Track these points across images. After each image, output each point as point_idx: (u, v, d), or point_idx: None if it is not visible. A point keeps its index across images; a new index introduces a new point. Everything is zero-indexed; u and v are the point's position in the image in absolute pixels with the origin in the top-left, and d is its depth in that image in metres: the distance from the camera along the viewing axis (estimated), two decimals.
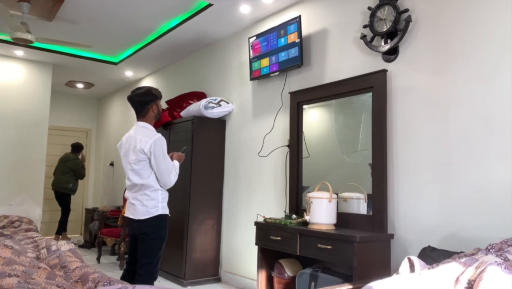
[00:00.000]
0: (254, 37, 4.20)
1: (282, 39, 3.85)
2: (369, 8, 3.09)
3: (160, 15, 4.40)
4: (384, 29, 2.99)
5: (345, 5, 3.44)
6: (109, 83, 7.36)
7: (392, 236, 2.84)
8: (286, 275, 3.21)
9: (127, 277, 2.94)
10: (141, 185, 2.83)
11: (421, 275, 1.61)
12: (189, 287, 4.34)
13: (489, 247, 1.89)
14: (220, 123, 4.76)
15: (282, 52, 3.85)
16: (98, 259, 5.65)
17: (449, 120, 2.64)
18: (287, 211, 3.65)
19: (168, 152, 3.02)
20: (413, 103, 2.85)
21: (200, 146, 4.57)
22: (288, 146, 3.79)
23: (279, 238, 3.12)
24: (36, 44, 5.24)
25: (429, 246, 2.51)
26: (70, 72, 6.68)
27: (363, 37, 3.14)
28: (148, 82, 6.70)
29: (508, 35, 2.39)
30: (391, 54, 3.00)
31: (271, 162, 4.04)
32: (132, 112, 5.25)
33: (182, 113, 4.89)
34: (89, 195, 8.45)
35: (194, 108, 4.65)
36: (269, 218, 3.32)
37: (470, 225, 2.47)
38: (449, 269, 1.59)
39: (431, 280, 1.56)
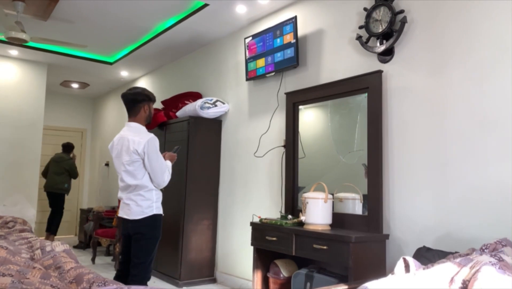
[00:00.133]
0: (250, 38, 4.20)
1: (278, 40, 3.85)
2: (365, 9, 3.10)
3: (156, 15, 4.39)
4: (380, 30, 3.00)
5: (340, 6, 3.44)
6: (105, 83, 7.33)
7: (387, 236, 2.85)
8: (281, 275, 3.21)
9: (120, 277, 2.93)
10: (135, 185, 2.82)
11: (416, 275, 1.61)
12: (184, 287, 4.33)
13: (483, 247, 1.90)
14: (216, 124, 4.76)
15: (278, 53, 3.85)
16: (93, 260, 5.62)
17: (444, 121, 2.65)
18: (283, 211, 3.66)
19: (162, 152, 3.02)
20: (408, 104, 2.86)
21: (196, 146, 4.56)
22: (284, 146, 3.79)
23: (274, 239, 3.12)
24: (30, 43, 5.21)
25: (424, 246, 2.51)
26: (65, 72, 6.65)
27: (359, 38, 3.15)
28: (143, 82, 6.68)
29: (503, 35, 2.41)
30: (387, 55, 3.01)
31: (267, 162, 4.04)
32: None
33: (178, 113, 4.89)
34: (84, 195, 8.41)
35: (190, 108, 4.65)
36: (265, 218, 3.32)
37: (465, 225, 2.48)
38: (444, 269, 1.60)
39: (426, 280, 1.56)
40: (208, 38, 4.92)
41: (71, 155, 6.89)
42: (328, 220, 2.97)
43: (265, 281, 3.34)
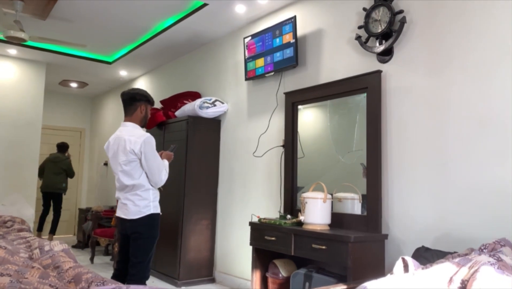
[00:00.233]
0: (249, 37, 4.20)
1: (277, 40, 3.85)
2: (364, 9, 3.10)
3: (155, 15, 4.39)
4: (379, 30, 3.00)
5: (340, 6, 3.44)
6: (103, 83, 7.32)
7: (386, 236, 2.85)
8: (280, 275, 3.20)
9: (118, 276, 2.93)
10: (132, 185, 2.82)
11: (415, 275, 1.61)
12: (183, 287, 4.33)
13: (482, 247, 1.90)
14: (215, 123, 4.76)
15: (277, 53, 3.85)
16: (92, 260, 5.62)
17: (443, 121, 2.65)
18: (282, 211, 3.66)
19: (160, 152, 3.02)
20: (407, 104, 2.87)
21: (194, 145, 4.56)
22: (283, 146, 3.79)
23: (273, 238, 3.12)
24: (29, 42, 5.20)
25: (423, 246, 2.52)
26: (64, 71, 6.64)
27: (358, 38, 3.15)
28: (142, 82, 6.68)
29: (503, 36, 2.41)
30: (386, 55, 3.02)
31: (266, 162, 4.04)
32: None
33: (177, 113, 4.88)
34: (82, 195, 8.40)
35: (189, 108, 4.64)
36: (264, 218, 3.32)
37: (463, 225, 2.49)
38: (443, 269, 1.60)
39: (425, 280, 1.56)
40: (207, 38, 4.92)
41: (66, 154, 6.90)
42: (327, 220, 2.97)
43: (264, 281, 3.34)
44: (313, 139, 3.58)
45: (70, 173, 6.82)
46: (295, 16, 3.69)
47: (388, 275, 1.75)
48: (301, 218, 3.01)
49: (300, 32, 3.76)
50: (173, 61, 5.83)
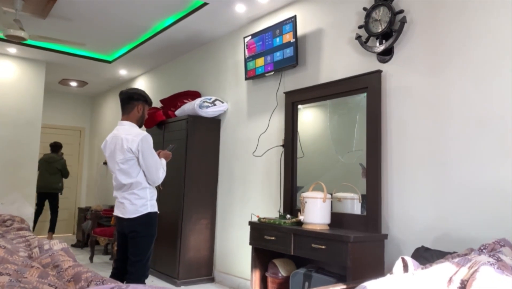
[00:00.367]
0: (249, 37, 4.19)
1: (277, 39, 3.85)
2: (364, 9, 3.10)
3: (155, 14, 4.38)
4: (379, 30, 3.00)
5: (340, 6, 3.44)
6: (103, 82, 7.32)
7: (386, 236, 2.85)
8: (280, 275, 3.20)
9: (117, 275, 2.94)
10: (130, 184, 2.83)
11: (415, 275, 1.61)
12: (182, 287, 4.33)
13: (482, 247, 1.90)
14: (214, 123, 4.75)
15: (277, 52, 3.85)
16: (91, 259, 5.61)
17: (443, 121, 2.65)
18: (282, 210, 3.66)
19: (157, 150, 3.03)
20: (407, 104, 2.86)
21: (194, 145, 4.55)
22: (282, 145, 3.79)
23: (273, 238, 3.12)
24: (29, 41, 5.19)
25: (422, 246, 2.52)
26: (64, 70, 6.63)
27: (358, 37, 3.15)
28: (142, 81, 6.67)
29: (503, 36, 2.41)
30: (386, 54, 3.01)
31: (266, 162, 4.04)
32: None
33: (177, 112, 4.88)
34: (82, 194, 8.39)
35: (189, 107, 4.64)
36: (263, 218, 3.31)
37: (463, 225, 2.49)
38: (443, 269, 1.60)
39: (425, 280, 1.56)
40: (207, 37, 4.92)
41: (60, 154, 6.91)
42: (327, 219, 2.97)
43: (264, 281, 3.34)
44: (313, 139, 3.58)
45: (64, 173, 6.85)
46: (295, 16, 3.69)
47: (388, 275, 1.75)
48: (301, 217, 3.01)
49: (300, 31, 3.76)
50: (173, 60, 5.83)
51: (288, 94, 3.73)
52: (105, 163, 7.47)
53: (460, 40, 2.61)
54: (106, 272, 3.00)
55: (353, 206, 3.11)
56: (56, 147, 6.86)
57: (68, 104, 8.29)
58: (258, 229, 3.28)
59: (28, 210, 5.81)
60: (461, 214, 2.50)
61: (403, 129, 2.87)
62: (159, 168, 2.88)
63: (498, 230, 2.29)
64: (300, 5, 3.85)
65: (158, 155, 3.06)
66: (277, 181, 3.85)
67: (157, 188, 3.00)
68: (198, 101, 4.56)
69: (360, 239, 2.66)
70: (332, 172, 3.35)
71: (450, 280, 1.55)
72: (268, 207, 3.93)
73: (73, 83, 7.45)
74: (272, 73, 3.95)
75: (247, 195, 4.25)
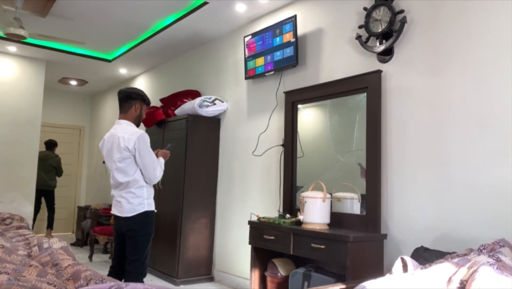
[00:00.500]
0: (250, 36, 4.19)
1: (278, 39, 3.85)
2: (365, 9, 3.10)
3: (155, 13, 4.38)
4: (380, 30, 3.00)
5: (340, 5, 3.44)
6: (103, 81, 7.31)
7: (385, 236, 2.85)
8: (279, 274, 3.21)
9: (114, 274, 2.95)
10: (127, 182, 2.84)
11: (414, 275, 1.61)
12: (182, 286, 4.33)
13: (481, 248, 1.90)
14: (214, 122, 4.75)
15: (277, 52, 3.85)
16: (90, 257, 5.61)
17: (443, 121, 2.65)
18: (281, 210, 3.65)
19: (157, 149, 3.04)
20: (407, 104, 2.86)
21: (194, 144, 4.55)
22: (282, 145, 3.79)
23: (272, 237, 3.12)
24: (29, 40, 5.19)
25: (422, 246, 2.52)
26: (64, 69, 6.63)
27: (359, 37, 3.15)
28: (142, 80, 6.67)
29: (503, 36, 2.41)
30: (386, 54, 3.01)
31: (266, 161, 4.04)
32: None
33: (177, 111, 4.88)
34: (81, 192, 8.39)
35: (189, 106, 4.64)
36: (263, 217, 3.31)
37: (463, 225, 2.49)
38: (442, 269, 1.60)
39: (424, 280, 1.56)
40: (207, 37, 4.91)
41: (53, 151, 6.94)
42: (326, 219, 2.97)
43: (263, 280, 3.34)
44: (312, 138, 3.58)
45: (59, 171, 6.89)
46: (295, 15, 3.69)
47: (387, 275, 1.75)
48: (300, 217, 3.01)
49: (300, 31, 3.76)
50: (173, 59, 5.82)
51: (288, 94, 3.73)
52: (104, 162, 7.47)
53: (460, 40, 2.61)
54: (106, 271, 3.01)
55: (353, 205, 3.11)
56: (51, 145, 6.89)
57: (67, 103, 8.28)
58: (258, 229, 3.28)
59: (27, 209, 5.82)
60: (461, 214, 2.50)
61: (403, 129, 2.87)
62: (156, 167, 2.88)
63: (498, 230, 2.29)
64: (300, 4, 3.84)
65: (157, 154, 3.07)
66: (277, 180, 3.85)
67: (157, 187, 3.01)
68: (198, 100, 4.56)
69: (360, 239, 2.66)
70: (332, 171, 3.35)
71: (449, 280, 1.55)
72: (268, 207, 3.93)
73: (73, 82, 7.44)
74: (272, 72, 3.95)
75: (246, 194, 4.25)
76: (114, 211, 2.95)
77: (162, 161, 3.05)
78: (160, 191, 4.75)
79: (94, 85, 7.69)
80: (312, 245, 2.78)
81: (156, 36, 4.93)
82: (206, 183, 4.63)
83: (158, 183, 4.70)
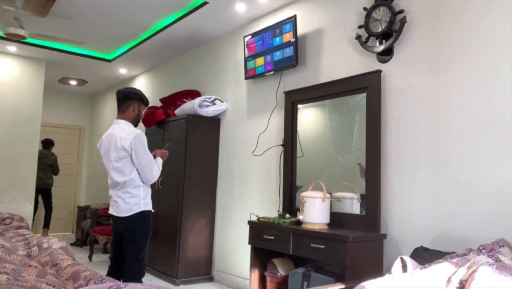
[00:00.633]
0: (249, 36, 4.19)
1: (277, 39, 3.85)
2: (365, 9, 3.10)
3: (155, 13, 4.38)
4: (379, 30, 3.00)
5: (340, 5, 3.44)
6: (103, 81, 7.31)
7: (385, 236, 2.85)
8: (279, 274, 3.21)
9: (112, 274, 2.96)
10: (123, 182, 2.85)
11: (414, 275, 1.61)
12: (181, 286, 4.33)
13: (481, 248, 1.90)
14: (214, 122, 4.75)
15: (277, 52, 3.85)
16: (90, 257, 5.61)
17: (443, 121, 2.65)
18: (281, 210, 3.65)
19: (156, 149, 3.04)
20: (407, 104, 2.86)
21: (194, 144, 4.55)
22: (282, 145, 3.79)
23: (272, 237, 3.12)
24: (29, 40, 5.19)
25: (421, 246, 2.52)
26: (64, 69, 6.63)
27: (358, 37, 3.15)
28: (142, 80, 6.67)
29: (503, 36, 2.41)
30: (386, 54, 3.01)
31: (265, 161, 4.04)
32: None
33: (176, 111, 4.88)
34: (81, 192, 8.39)
35: (189, 106, 4.64)
36: (263, 217, 3.31)
37: (462, 225, 2.49)
38: (441, 269, 1.60)
39: (423, 280, 1.56)
40: (207, 36, 4.91)
41: (50, 149, 6.96)
42: (326, 219, 2.97)
43: (262, 280, 3.34)
44: (312, 138, 3.58)
45: (55, 169, 6.92)
46: (295, 15, 3.69)
47: (387, 275, 1.75)
48: (300, 217, 3.01)
49: (300, 31, 3.76)
50: (173, 59, 5.82)
51: (287, 93, 3.73)
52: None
53: (460, 40, 2.61)
54: (105, 271, 3.02)
55: (352, 205, 3.11)
56: (47, 143, 6.93)
57: (67, 102, 8.28)
58: (257, 229, 3.28)
59: (27, 208, 5.82)
60: (460, 214, 2.50)
61: (403, 129, 2.87)
62: (152, 167, 2.89)
63: (497, 230, 2.29)
64: (300, 4, 3.84)
65: (155, 154, 3.07)
66: (277, 180, 3.85)
67: (156, 187, 3.01)
68: (198, 100, 4.56)
69: (359, 239, 2.66)
70: (332, 171, 3.35)
71: (448, 280, 1.55)
72: (267, 206, 3.93)
73: (73, 82, 7.44)
74: (272, 72, 3.95)
75: (246, 194, 4.25)
76: (112, 211, 2.97)
77: (159, 161, 3.06)
78: (160, 191, 4.75)
79: (94, 85, 7.69)
80: (312, 245, 2.78)
81: (156, 36, 4.93)
82: (206, 183, 4.63)
83: (157, 182, 4.71)
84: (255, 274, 3.33)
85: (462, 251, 2.12)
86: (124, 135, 2.82)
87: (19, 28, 4.13)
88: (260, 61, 4.05)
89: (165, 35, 4.89)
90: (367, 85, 3.04)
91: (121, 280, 2.84)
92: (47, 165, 6.77)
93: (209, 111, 4.59)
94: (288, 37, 3.73)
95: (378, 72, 2.99)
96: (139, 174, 2.87)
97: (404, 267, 1.76)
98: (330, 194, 3.13)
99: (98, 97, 8.27)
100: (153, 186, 4.26)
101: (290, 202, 3.57)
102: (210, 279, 4.54)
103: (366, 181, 2.98)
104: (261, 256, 3.36)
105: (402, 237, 2.79)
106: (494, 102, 2.41)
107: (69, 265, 2.21)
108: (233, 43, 4.67)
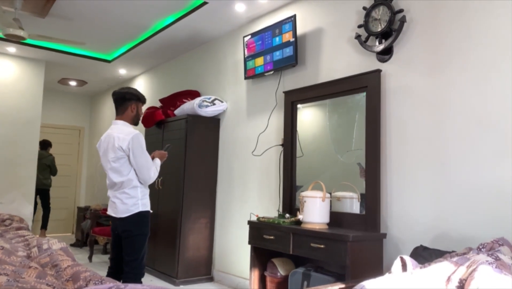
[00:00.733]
0: (249, 36, 4.19)
1: (277, 38, 3.85)
2: (364, 8, 3.10)
3: (154, 13, 4.38)
4: (379, 29, 3.00)
5: (340, 5, 3.44)
6: (103, 81, 7.31)
7: (384, 235, 2.85)
8: (278, 274, 3.20)
9: (112, 274, 2.96)
10: (121, 183, 2.85)
11: (413, 274, 1.61)
12: (181, 286, 4.32)
13: (480, 247, 1.90)
14: (214, 122, 4.75)
15: (276, 51, 3.85)
16: (90, 258, 5.61)
17: (442, 121, 2.65)
18: (281, 210, 3.65)
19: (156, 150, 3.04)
20: (407, 103, 2.86)
21: (194, 144, 4.55)
22: (282, 145, 3.79)
23: (272, 237, 3.12)
24: (28, 41, 5.18)
25: (421, 246, 2.52)
26: (63, 69, 6.63)
27: (358, 37, 3.15)
28: (142, 80, 6.67)
29: (503, 36, 2.41)
30: (386, 54, 3.01)
31: (265, 161, 4.04)
32: None
33: (176, 111, 4.88)
34: (81, 193, 8.39)
35: (188, 106, 4.64)
36: (263, 217, 3.31)
37: (462, 224, 2.49)
38: (441, 268, 1.60)
39: (423, 279, 1.56)
40: (207, 36, 4.91)
41: (47, 150, 6.97)
42: (326, 219, 2.97)
43: (262, 280, 3.34)
44: (312, 138, 3.58)
45: (53, 170, 6.93)
46: (295, 15, 3.69)
47: (386, 274, 1.75)
48: (300, 217, 3.01)
49: (299, 31, 3.76)
50: (172, 59, 5.82)
51: (287, 93, 3.73)
52: None
53: (460, 40, 2.61)
54: (105, 272, 3.02)
55: (352, 205, 3.11)
56: (45, 144, 6.93)
57: (67, 103, 8.28)
58: (257, 228, 3.28)
59: (27, 209, 5.82)
60: (460, 213, 2.50)
61: (403, 129, 2.87)
62: (150, 167, 2.89)
63: (497, 230, 2.29)
64: (300, 4, 3.84)
65: (154, 154, 3.08)
66: (276, 180, 3.85)
67: (156, 187, 3.01)
68: (197, 100, 4.56)
69: (359, 238, 2.66)
70: (331, 171, 3.35)
71: (448, 279, 1.55)
72: (267, 206, 3.93)
73: (73, 83, 7.44)
74: (271, 72, 3.95)
75: (246, 194, 4.25)
76: (110, 212, 2.97)
77: (158, 162, 3.06)
78: (160, 191, 4.75)
79: (94, 86, 7.69)
80: (312, 244, 2.78)
81: (156, 36, 4.93)
82: (205, 183, 4.63)
83: (157, 183, 4.71)
84: (255, 274, 3.33)
85: (461, 250, 2.12)
86: (122, 135, 2.83)
87: (18, 29, 4.13)
88: (259, 61, 4.05)
89: (165, 35, 4.89)
90: (367, 85, 3.04)
91: (121, 281, 2.84)
92: (45, 166, 6.78)
93: (209, 111, 4.59)
94: (287, 37, 3.73)
95: (378, 71, 2.99)
96: (136, 174, 2.87)
97: (404, 266, 1.76)
98: (330, 194, 3.13)
99: (98, 98, 8.27)
100: (152, 186, 4.27)
101: (290, 202, 3.57)
102: (210, 279, 4.54)
103: (366, 181, 2.98)
104: (261, 256, 3.36)
105: (402, 237, 2.79)
106: (494, 102, 2.41)
107: (69, 266, 2.21)
108: (232, 43, 4.67)
